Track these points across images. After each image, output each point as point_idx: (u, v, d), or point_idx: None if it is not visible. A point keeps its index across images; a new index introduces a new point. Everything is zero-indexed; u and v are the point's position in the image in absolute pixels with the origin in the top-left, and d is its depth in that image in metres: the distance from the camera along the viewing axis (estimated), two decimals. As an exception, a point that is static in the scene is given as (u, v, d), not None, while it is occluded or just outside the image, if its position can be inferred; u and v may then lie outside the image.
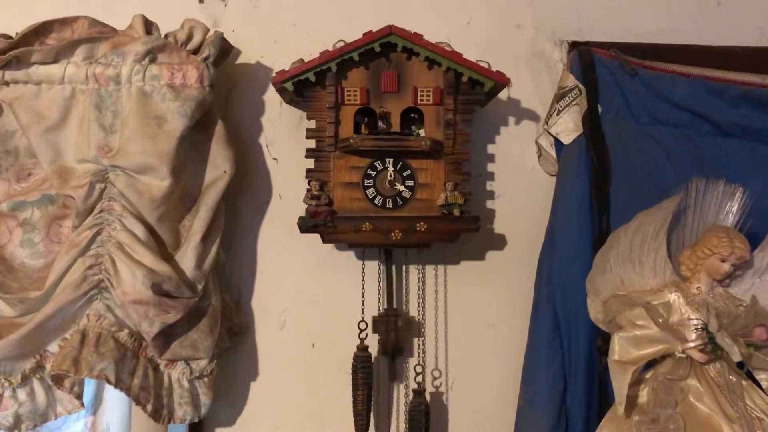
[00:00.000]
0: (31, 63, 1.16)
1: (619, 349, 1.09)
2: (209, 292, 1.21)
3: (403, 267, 1.35)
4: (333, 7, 1.38)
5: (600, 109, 1.30)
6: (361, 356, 1.25)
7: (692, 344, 1.08)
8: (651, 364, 1.12)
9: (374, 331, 1.28)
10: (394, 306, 1.31)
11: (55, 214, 1.19)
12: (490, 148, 1.38)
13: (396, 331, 1.28)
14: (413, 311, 1.34)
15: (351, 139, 1.16)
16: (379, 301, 1.30)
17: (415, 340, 1.34)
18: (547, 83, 1.39)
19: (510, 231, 1.38)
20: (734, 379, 1.09)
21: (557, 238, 1.28)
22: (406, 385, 1.33)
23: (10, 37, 1.18)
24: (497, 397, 1.34)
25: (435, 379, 1.35)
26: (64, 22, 1.19)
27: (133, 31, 1.20)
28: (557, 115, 1.31)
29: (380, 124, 1.19)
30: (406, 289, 1.35)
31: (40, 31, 1.18)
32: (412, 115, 1.22)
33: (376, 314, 1.29)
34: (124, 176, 1.15)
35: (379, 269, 1.31)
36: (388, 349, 1.30)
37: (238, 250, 1.34)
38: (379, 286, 1.30)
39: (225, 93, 1.35)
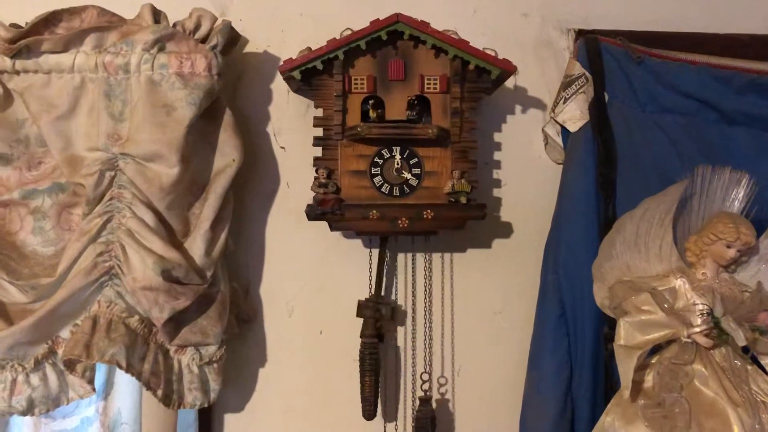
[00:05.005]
0: (41, 52, 1.17)
1: (625, 334, 1.10)
2: (218, 279, 1.22)
3: (410, 254, 1.36)
4: (340, -4, 1.39)
5: (606, 97, 1.30)
6: (369, 343, 1.26)
7: (698, 329, 1.09)
8: (656, 349, 1.13)
9: (358, 315, 1.28)
10: (383, 293, 1.32)
11: (66, 201, 1.21)
12: (497, 137, 1.39)
13: (381, 320, 1.28)
14: (419, 298, 1.35)
15: (358, 128, 1.17)
16: (393, 289, 1.32)
17: (408, 328, 1.35)
18: (554, 71, 1.39)
19: (516, 219, 1.38)
20: (739, 364, 1.09)
21: (563, 226, 1.28)
22: (413, 376, 1.34)
23: (20, 27, 1.18)
24: (503, 383, 1.35)
25: (442, 381, 1.36)
26: (74, 12, 1.20)
27: (142, 20, 1.21)
28: (564, 103, 1.31)
29: (408, 113, 1.19)
30: (413, 276, 1.35)
31: (49, 21, 1.18)
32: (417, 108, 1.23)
33: (361, 299, 1.30)
34: (134, 164, 1.16)
35: (387, 256, 1.32)
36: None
37: (246, 238, 1.35)
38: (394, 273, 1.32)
39: (233, 82, 1.35)
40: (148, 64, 1.17)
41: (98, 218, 1.15)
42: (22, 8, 1.25)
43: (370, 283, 1.31)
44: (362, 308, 1.28)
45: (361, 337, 1.27)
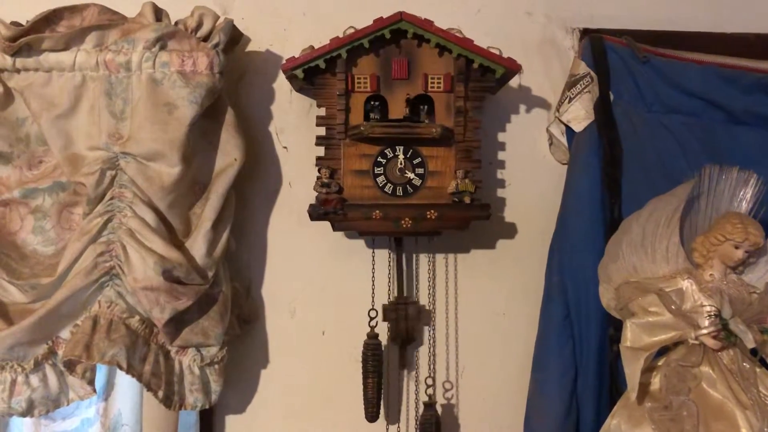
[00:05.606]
0: (41, 50, 1.16)
1: (631, 335, 1.09)
2: (220, 279, 1.21)
3: (414, 255, 1.35)
4: (343, -6, 1.38)
5: (611, 97, 1.29)
6: (372, 344, 1.26)
7: (705, 331, 1.07)
8: (663, 350, 1.12)
9: (384, 319, 1.28)
10: (405, 294, 1.31)
11: (67, 201, 1.20)
12: (501, 136, 1.38)
13: (407, 320, 1.28)
14: (423, 300, 1.34)
15: (361, 127, 1.16)
16: (389, 289, 1.30)
17: (426, 328, 1.34)
18: (559, 71, 1.38)
19: (521, 219, 1.37)
20: (747, 366, 1.08)
21: (568, 227, 1.27)
22: (416, 378, 1.32)
23: (21, 25, 1.18)
24: (508, 385, 1.34)
25: (448, 386, 1.35)
26: (75, 10, 1.19)
27: (143, 19, 1.20)
28: (568, 102, 1.30)
29: (406, 111, 1.18)
30: (416, 277, 1.34)
31: (50, 19, 1.18)
32: (421, 106, 1.22)
33: (386, 302, 1.29)
34: (135, 163, 1.15)
35: (389, 257, 1.31)
36: (399, 337, 1.29)
37: (248, 238, 1.34)
38: (389, 273, 1.30)
39: (235, 81, 1.34)
40: (150, 63, 1.16)
41: (99, 218, 1.14)
42: (23, 6, 1.24)
43: (373, 284, 1.30)
44: (387, 311, 1.28)
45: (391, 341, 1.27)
